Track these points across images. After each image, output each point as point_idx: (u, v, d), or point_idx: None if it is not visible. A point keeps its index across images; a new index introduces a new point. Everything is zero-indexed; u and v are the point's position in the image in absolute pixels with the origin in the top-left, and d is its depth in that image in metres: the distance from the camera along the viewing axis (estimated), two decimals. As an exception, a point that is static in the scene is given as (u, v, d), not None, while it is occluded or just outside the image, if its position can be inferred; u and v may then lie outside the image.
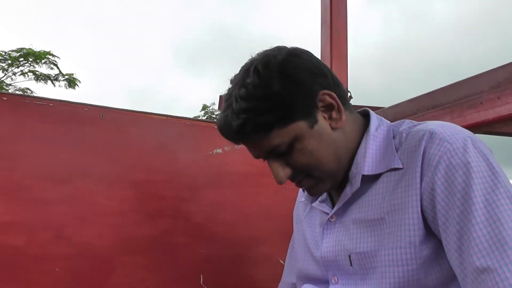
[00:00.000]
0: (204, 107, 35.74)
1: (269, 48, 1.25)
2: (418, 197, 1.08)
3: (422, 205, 1.08)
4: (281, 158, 1.21)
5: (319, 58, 1.27)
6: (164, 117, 1.95)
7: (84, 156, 1.76)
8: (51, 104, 1.74)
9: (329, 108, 1.20)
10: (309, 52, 1.26)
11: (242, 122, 1.14)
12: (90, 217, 1.73)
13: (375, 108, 2.55)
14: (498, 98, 1.70)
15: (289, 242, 1.63)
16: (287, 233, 1.73)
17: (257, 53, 1.24)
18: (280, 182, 1.22)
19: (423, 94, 2.10)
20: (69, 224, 1.69)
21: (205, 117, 34.53)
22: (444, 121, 1.92)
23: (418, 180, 1.09)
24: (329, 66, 1.28)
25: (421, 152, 1.10)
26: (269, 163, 1.24)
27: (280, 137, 1.16)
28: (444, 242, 1.04)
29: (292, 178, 1.25)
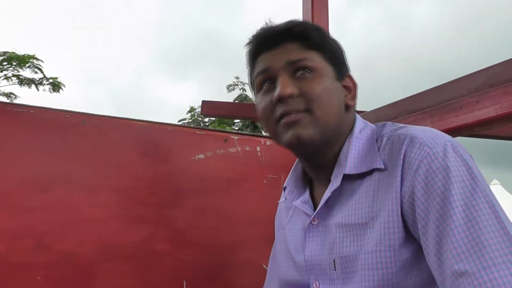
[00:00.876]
0: (191, 110, 35.74)
1: None
2: (398, 201, 1.09)
3: (402, 208, 1.09)
4: (296, 80, 1.21)
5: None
6: (146, 123, 1.94)
7: (66, 163, 1.76)
8: (32, 111, 1.74)
9: (348, 89, 1.29)
10: None
11: (294, 25, 1.25)
12: (72, 224, 1.72)
13: (357, 112, 2.56)
14: (477, 102, 1.72)
15: (271, 247, 1.63)
16: (270, 238, 1.73)
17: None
18: (282, 94, 1.18)
19: (404, 98, 2.12)
20: (51, 231, 1.68)
21: (192, 119, 34.51)
22: (425, 124, 1.94)
23: (399, 184, 1.10)
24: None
25: (402, 156, 1.11)
26: (281, 76, 1.22)
27: (312, 59, 1.22)
28: (423, 246, 1.05)
29: (292, 102, 1.19)
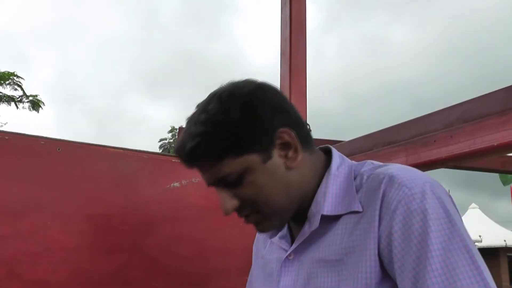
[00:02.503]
0: (172, 129, 35.72)
1: (239, 80, 1.25)
2: (376, 240, 1.09)
3: (379, 248, 1.08)
4: (230, 189, 1.20)
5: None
6: (121, 150, 1.94)
7: (39, 190, 1.74)
8: (6, 137, 1.73)
9: (286, 146, 1.20)
10: (277, 89, 1.27)
11: (195, 145, 1.14)
12: (45, 252, 1.70)
13: (333, 142, 2.57)
14: (451, 137, 1.74)
15: (247, 277, 1.62)
16: (245, 267, 1.72)
17: (228, 82, 1.24)
18: (226, 213, 1.21)
19: (379, 131, 2.14)
20: (22, 260, 1.66)
21: (172, 139, 34.46)
22: (399, 157, 1.96)
23: (376, 223, 1.09)
24: (288, 98, 1.28)
25: (380, 196, 1.11)
26: (218, 191, 1.22)
27: (231, 166, 1.15)
28: (399, 286, 1.05)
29: (239, 211, 1.23)
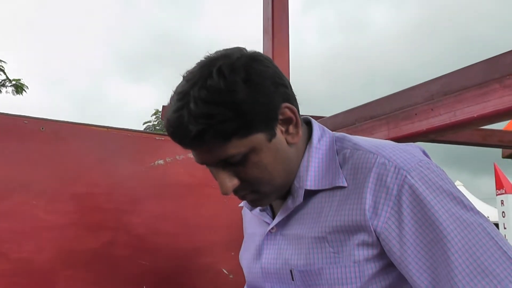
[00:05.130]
0: (156, 112, 35.53)
1: (229, 48, 1.17)
2: (370, 221, 1.08)
3: (375, 231, 1.08)
4: (231, 168, 1.15)
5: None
6: (105, 129, 1.94)
7: (23, 170, 1.74)
8: (-12, 118, 1.72)
9: (287, 121, 1.16)
10: (270, 59, 1.20)
11: (202, 128, 1.05)
12: (29, 232, 1.71)
13: (316, 118, 2.58)
14: (432, 109, 1.76)
15: (231, 252, 1.63)
16: (229, 243, 1.74)
17: (216, 51, 1.15)
18: (225, 193, 1.16)
19: (361, 105, 2.15)
20: (7, 239, 1.66)
21: (157, 122, 34.30)
22: (381, 131, 1.98)
23: (369, 205, 1.08)
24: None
25: (373, 176, 1.09)
26: (215, 171, 1.16)
27: (237, 147, 1.09)
28: (410, 268, 1.05)
29: (238, 191, 1.19)
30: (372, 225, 1.07)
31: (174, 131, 1.09)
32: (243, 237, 1.53)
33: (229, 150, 1.09)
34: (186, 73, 1.14)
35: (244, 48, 1.18)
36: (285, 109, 1.15)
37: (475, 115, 1.60)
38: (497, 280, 0.96)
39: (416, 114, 1.82)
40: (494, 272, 0.97)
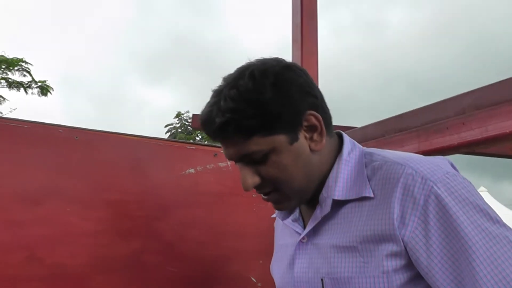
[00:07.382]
0: (178, 115, 35.56)
1: (269, 57, 1.26)
2: (398, 231, 1.09)
3: (403, 241, 1.09)
4: (253, 166, 1.22)
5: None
6: (137, 138, 1.96)
7: (58, 178, 1.77)
8: (25, 126, 1.75)
9: (312, 129, 1.22)
10: (305, 71, 1.27)
11: (226, 120, 1.14)
12: (64, 237, 1.74)
13: (345, 128, 2.59)
14: (463, 124, 1.75)
15: (259, 260, 1.64)
16: (258, 251, 1.75)
17: (256, 59, 1.25)
18: (246, 189, 1.23)
19: (391, 117, 2.14)
20: (42, 245, 1.70)
21: (179, 124, 34.30)
22: (411, 144, 1.98)
23: (397, 214, 1.10)
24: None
25: (400, 187, 1.11)
26: (240, 167, 1.24)
27: (258, 144, 1.17)
28: (435, 278, 1.07)
29: (259, 188, 1.26)
30: (400, 234, 1.09)
31: (203, 123, 1.21)
32: (271, 246, 1.55)
33: (250, 146, 1.17)
34: (226, 75, 1.23)
35: (283, 59, 1.26)
36: (310, 116, 1.21)
37: (507, 131, 1.59)
38: None
39: (447, 128, 1.81)
40: None
